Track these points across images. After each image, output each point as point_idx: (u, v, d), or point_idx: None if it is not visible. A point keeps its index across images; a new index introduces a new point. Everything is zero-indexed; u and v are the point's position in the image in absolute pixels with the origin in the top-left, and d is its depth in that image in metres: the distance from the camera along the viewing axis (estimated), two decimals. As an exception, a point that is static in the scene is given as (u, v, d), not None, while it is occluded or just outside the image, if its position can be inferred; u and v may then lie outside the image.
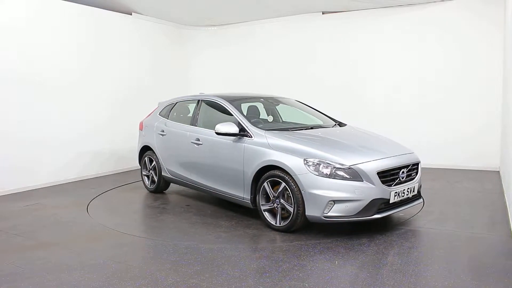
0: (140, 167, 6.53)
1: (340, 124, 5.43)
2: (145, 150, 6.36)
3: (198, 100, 5.72)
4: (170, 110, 6.13)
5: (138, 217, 5.09)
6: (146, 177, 6.37)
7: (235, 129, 4.68)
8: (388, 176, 4.10)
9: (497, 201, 5.31)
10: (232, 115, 5.01)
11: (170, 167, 5.86)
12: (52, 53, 6.82)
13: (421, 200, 4.59)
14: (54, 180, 6.88)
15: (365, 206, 3.92)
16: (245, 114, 5.03)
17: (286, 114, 5.92)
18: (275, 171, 4.26)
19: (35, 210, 5.34)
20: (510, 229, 4.16)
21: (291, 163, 4.12)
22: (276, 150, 4.31)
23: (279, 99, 5.92)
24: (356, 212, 3.93)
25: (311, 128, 5.05)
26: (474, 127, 7.41)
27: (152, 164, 6.19)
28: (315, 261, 3.49)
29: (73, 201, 5.80)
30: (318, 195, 3.92)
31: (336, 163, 3.98)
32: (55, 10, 6.85)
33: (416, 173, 4.47)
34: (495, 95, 7.19)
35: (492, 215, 4.70)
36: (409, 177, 4.35)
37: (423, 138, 7.77)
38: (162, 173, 6.02)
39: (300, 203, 4.04)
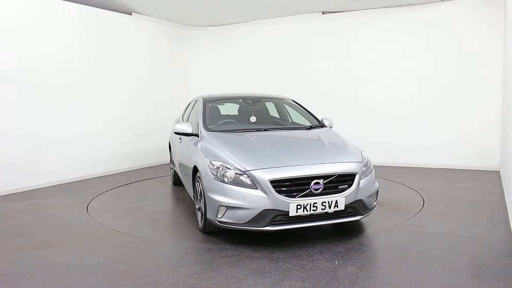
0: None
1: (323, 126, 5.11)
2: (170, 146, 6.87)
3: (195, 100, 5.89)
4: (185, 110, 6.44)
5: (138, 216, 5.08)
6: (172, 170, 6.83)
7: (188, 129, 4.79)
8: (292, 186, 3.72)
9: (497, 201, 5.30)
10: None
11: (175, 161, 6.32)
12: (52, 53, 6.82)
13: (356, 217, 3.95)
14: (54, 180, 6.88)
15: (255, 216, 3.66)
16: (206, 115, 5.01)
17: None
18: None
19: (35, 210, 5.35)
20: (510, 229, 4.16)
21: (201, 165, 4.14)
22: (202, 151, 4.33)
23: (263, 99, 5.76)
24: (247, 221, 3.70)
25: (265, 130, 4.77)
26: (474, 127, 7.41)
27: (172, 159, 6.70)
28: (315, 261, 3.48)
29: (73, 201, 5.80)
30: (213, 199, 3.86)
31: (235, 168, 3.84)
32: (55, 10, 6.84)
33: (350, 185, 3.88)
34: (495, 95, 7.19)
35: (492, 215, 4.69)
36: (335, 189, 3.82)
37: (423, 138, 7.77)
38: (173, 167, 6.50)
39: (206, 205, 4.03)
